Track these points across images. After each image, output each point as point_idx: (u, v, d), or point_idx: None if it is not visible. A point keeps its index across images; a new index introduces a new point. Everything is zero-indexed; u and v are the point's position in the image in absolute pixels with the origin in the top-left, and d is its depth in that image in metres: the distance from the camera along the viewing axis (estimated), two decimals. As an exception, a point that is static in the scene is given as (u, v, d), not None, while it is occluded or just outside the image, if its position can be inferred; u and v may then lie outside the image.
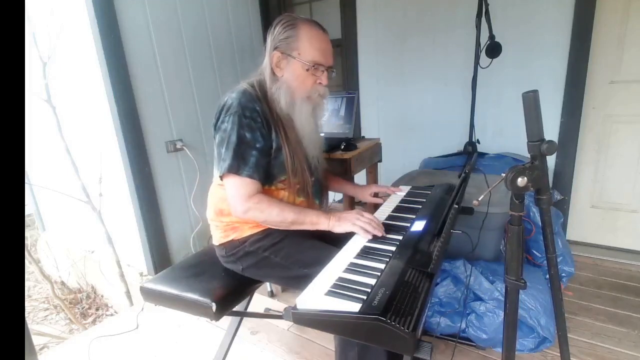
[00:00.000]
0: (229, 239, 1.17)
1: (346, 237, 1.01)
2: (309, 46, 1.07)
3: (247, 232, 1.15)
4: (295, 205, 1.12)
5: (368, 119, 2.84)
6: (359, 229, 1.00)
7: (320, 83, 1.13)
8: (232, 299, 1.14)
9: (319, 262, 0.90)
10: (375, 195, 1.41)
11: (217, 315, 1.06)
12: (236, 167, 1.03)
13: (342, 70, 2.83)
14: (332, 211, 1.09)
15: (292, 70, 1.10)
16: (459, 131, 2.41)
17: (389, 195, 1.39)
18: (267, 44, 1.12)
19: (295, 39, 1.07)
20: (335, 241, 1.07)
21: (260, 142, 1.06)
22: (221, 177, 1.09)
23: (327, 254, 0.94)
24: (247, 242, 1.14)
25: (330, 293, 0.75)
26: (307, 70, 1.09)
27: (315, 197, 1.23)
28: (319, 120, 1.23)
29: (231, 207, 1.08)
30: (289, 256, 1.10)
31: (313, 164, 1.20)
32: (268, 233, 1.14)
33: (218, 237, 1.20)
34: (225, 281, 1.17)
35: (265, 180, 1.10)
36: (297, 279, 1.07)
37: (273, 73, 1.12)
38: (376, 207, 1.29)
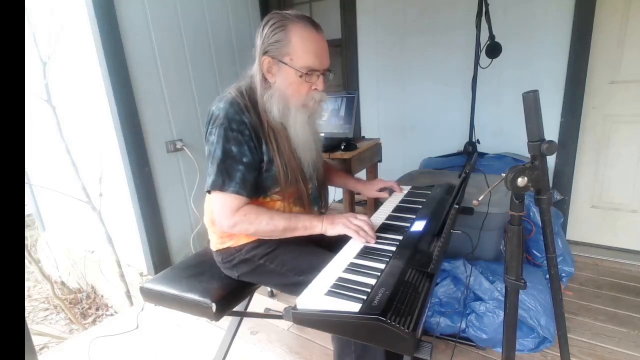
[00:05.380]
0: (225, 245, 1.16)
1: (343, 241, 1.00)
2: (301, 50, 0.98)
3: (243, 239, 1.13)
4: (285, 212, 1.08)
5: (368, 119, 2.84)
6: (353, 232, 0.99)
7: (315, 89, 1.05)
8: (232, 299, 1.14)
9: (314, 269, 0.88)
10: (382, 190, 1.38)
11: (217, 316, 1.06)
12: (221, 183, 0.99)
13: (342, 70, 2.83)
14: (324, 214, 1.07)
15: (284, 77, 1.02)
16: (459, 131, 2.41)
17: (393, 190, 1.38)
18: (256, 46, 1.04)
19: (286, 43, 0.98)
20: (331, 246, 1.05)
21: (247, 156, 1.00)
22: (208, 192, 1.05)
23: (322, 260, 0.92)
24: (243, 250, 1.13)
25: (330, 293, 0.75)
26: (301, 76, 1.01)
27: (314, 204, 1.19)
28: (317, 122, 1.17)
29: (217, 224, 1.04)
30: (284, 263, 1.08)
31: (309, 173, 1.14)
32: (264, 241, 1.12)
33: (215, 243, 1.19)
34: (225, 281, 1.17)
35: (259, 192, 1.07)
36: (292, 286, 1.06)
37: (264, 79, 1.04)
38: (377, 207, 1.29)
